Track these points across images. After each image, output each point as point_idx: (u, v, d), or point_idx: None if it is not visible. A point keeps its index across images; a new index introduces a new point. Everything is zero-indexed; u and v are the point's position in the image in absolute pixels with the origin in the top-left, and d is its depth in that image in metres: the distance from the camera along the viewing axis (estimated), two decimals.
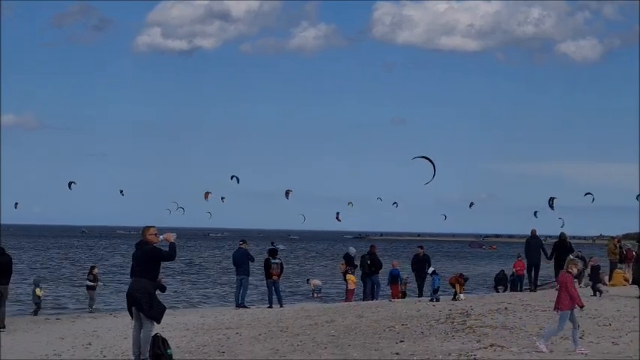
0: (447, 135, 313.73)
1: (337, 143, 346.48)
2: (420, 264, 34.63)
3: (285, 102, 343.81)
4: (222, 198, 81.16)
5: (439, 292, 29.54)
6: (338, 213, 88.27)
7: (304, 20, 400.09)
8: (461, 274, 32.57)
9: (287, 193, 71.72)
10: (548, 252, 32.73)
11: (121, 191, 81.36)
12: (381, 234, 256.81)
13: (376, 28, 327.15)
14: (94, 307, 30.54)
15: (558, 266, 33.30)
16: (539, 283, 34.86)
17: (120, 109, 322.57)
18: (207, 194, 71.46)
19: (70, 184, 71.92)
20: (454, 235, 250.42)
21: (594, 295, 27.37)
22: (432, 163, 40.61)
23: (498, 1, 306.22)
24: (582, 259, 41.71)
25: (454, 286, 29.80)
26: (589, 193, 65.99)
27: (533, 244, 33.39)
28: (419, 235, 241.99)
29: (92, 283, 30.90)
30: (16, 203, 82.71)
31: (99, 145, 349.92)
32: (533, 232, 33.86)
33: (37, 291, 30.77)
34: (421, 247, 35.84)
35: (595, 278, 29.65)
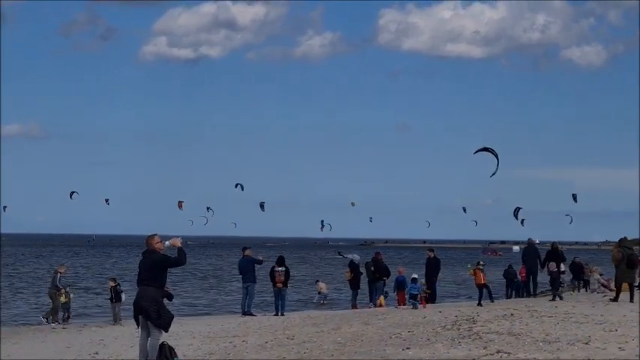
0: (452, 141, 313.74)
1: (342, 150, 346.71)
2: (430, 268, 34.64)
3: (291, 109, 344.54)
4: (208, 208, 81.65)
5: (418, 300, 29.42)
6: (322, 224, 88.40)
7: (310, 28, 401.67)
8: (478, 262, 32.74)
9: (262, 205, 71.77)
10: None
11: (107, 200, 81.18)
12: (386, 241, 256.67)
13: (382, 35, 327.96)
14: (119, 320, 29.64)
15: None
16: (538, 290, 35.44)
17: (126, 117, 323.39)
18: (180, 203, 71.47)
19: (71, 193, 71.94)
20: (464, 242, 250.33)
21: (554, 299, 28.05)
22: (495, 155, 39.49)
23: (504, 7, 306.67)
24: (579, 266, 41.99)
25: (482, 285, 29.55)
26: (574, 195, 66.04)
27: (530, 252, 33.98)
28: (425, 242, 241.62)
29: (118, 298, 30.40)
30: (5, 207, 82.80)
31: (105, 154, 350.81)
32: (530, 240, 34.68)
33: (62, 297, 30.67)
34: (431, 250, 35.61)
35: (554, 284, 30.36)
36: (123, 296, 29.64)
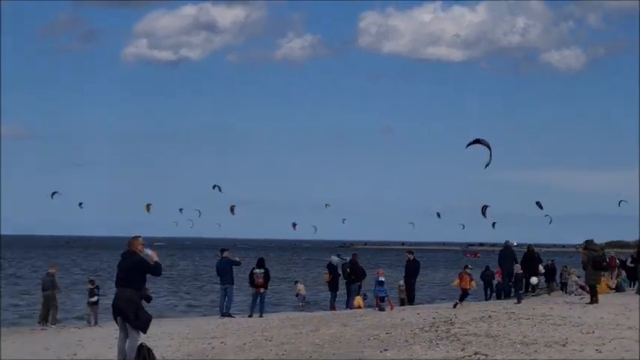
0: (433, 144, 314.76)
1: (323, 153, 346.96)
2: (409, 270, 34.74)
3: (272, 112, 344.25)
4: (181, 209, 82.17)
5: (385, 302, 29.44)
6: (294, 224, 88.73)
7: (290, 31, 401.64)
8: (466, 265, 32.95)
9: (232, 208, 71.84)
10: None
11: (80, 204, 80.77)
12: (365, 243, 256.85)
13: (362, 38, 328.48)
14: (94, 323, 29.45)
15: (528, 276, 35.13)
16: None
17: (107, 119, 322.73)
18: (148, 206, 71.56)
19: (52, 194, 71.60)
20: (444, 244, 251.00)
21: (518, 302, 28.29)
22: (488, 146, 38.86)
23: (484, 10, 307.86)
24: (553, 268, 42.33)
25: (465, 289, 29.63)
26: (538, 203, 66.04)
27: (507, 254, 34.19)
28: (403, 244, 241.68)
29: (91, 299, 30.30)
30: None
31: (86, 155, 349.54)
32: (507, 242, 34.99)
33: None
34: (410, 253, 35.68)
35: (517, 285, 30.64)
36: (95, 298, 29.55)
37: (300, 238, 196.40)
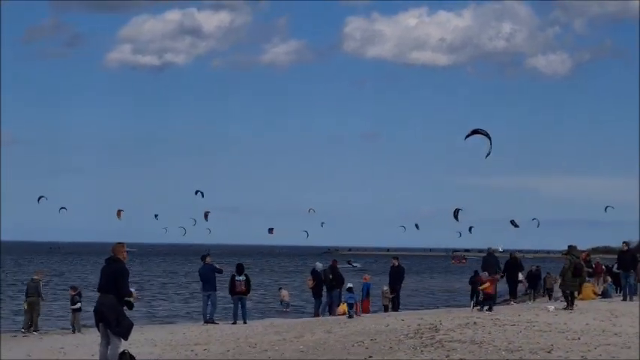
0: (418, 149, 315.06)
1: (309, 158, 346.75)
2: (394, 276, 34.72)
3: (257, 117, 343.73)
4: (156, 215, 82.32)
5: (353, 310, 29.34)
6: (270, 229, 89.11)
7: (275, 36, 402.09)
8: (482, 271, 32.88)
9: (206, 215, 72.10)
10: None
11: (61, 208, 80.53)
12: (350, 249, 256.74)
13: (347, 43, 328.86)
14: (77, 330, 29.30)
15: (511, 283, 35.36)
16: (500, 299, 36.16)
17: (92, 124, 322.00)
18: (119, 212, 71.60)
19: (39, 198, 71.49)
20: (431, 250, 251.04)
21: (490, 310, 28.19)
22: (487, 135, 38.30)
23: (469, 15, 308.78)
24: (538, 274, 42.43)
25: (488, 294, 29.43)
26: (513, 222, 66.07)
27: (490, 260, 34.34)
28: (388, 249, 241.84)
29: (73, 306, 30.11)
30: None
31: (70, 161, 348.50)
32: (490, 249, 35.40)
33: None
34: (395, 259, 35.76)
35: (486, 295, 30.47)
36: (77, 305, 29.43)
37: (287, 244, 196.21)
